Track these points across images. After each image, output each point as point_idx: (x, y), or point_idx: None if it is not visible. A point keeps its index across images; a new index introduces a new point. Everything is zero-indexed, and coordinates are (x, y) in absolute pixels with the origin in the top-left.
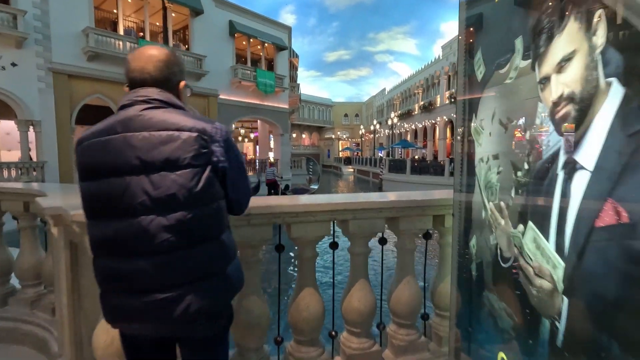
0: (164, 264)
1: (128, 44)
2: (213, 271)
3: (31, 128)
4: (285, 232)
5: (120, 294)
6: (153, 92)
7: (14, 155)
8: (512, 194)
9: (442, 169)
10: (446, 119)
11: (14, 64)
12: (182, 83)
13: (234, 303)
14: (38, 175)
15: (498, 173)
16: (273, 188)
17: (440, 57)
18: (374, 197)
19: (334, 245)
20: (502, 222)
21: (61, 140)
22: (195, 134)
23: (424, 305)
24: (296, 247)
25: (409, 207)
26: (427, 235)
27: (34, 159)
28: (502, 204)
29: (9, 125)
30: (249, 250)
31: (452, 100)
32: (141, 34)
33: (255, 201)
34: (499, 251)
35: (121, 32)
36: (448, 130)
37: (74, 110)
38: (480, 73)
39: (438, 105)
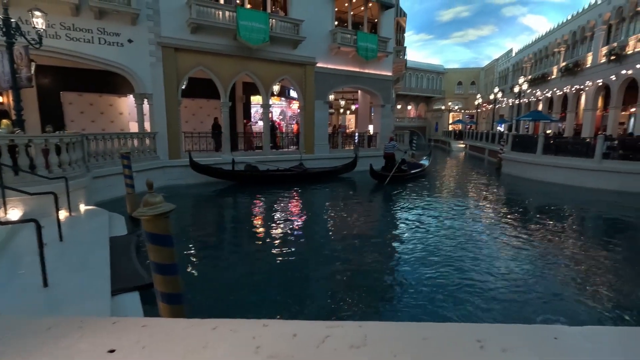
0: None
1: (227, 13)
2: None
3: (145, 101)
4: None
5: None
6: None
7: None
8: None
9: (589, 149)
10: (600, 83)
11: (130, 41)
12: None
13: None
14: (151, 144)
15: None
16: (390, 162)
17: (598, 2)
18: None
19: None
20: None
21: (169, 113)
22: None
23: None
24: None
25: None
26: None
27: (148, 130)
28: None
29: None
30: None
31: (612, 58)
32: (238, 1)
33: None
34: None
35: (222, 1)
36: (600, 98)
37: (181, 82)
38: None
39: (588, 65)
